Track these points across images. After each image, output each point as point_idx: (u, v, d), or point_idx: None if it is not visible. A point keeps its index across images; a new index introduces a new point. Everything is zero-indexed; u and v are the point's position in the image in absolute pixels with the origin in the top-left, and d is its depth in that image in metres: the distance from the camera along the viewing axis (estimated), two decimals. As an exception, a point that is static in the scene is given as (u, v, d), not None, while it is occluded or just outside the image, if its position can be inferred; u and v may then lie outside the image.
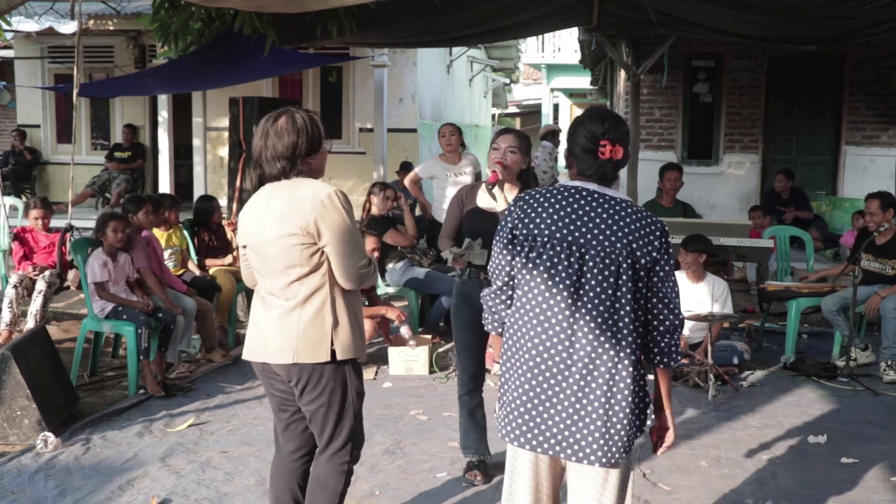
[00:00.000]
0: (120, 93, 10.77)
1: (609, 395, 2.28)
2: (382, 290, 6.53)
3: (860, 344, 5.93)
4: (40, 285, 5.99)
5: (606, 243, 2.30)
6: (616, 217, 2.33)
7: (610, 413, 2.28)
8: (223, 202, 7.63)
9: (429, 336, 6.06)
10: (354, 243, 2.81)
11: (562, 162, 10.54)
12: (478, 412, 3.93)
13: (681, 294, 6.03)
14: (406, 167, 9.81)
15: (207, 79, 8.21)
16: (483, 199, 3.84)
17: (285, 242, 2.77)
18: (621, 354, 2.28)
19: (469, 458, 3.95)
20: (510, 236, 2.40)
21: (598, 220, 2.32)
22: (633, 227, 2.32)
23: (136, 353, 5.20)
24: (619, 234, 2.31)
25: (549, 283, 2.31)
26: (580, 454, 2.30)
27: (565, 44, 24.61)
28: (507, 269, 2.42)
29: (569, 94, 27.15)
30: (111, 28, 10.45)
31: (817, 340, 6.63)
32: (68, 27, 9.69)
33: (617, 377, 2.28)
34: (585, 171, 2.41)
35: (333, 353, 2.81)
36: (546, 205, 2.37)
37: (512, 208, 2.44)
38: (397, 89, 11.55)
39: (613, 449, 2.29)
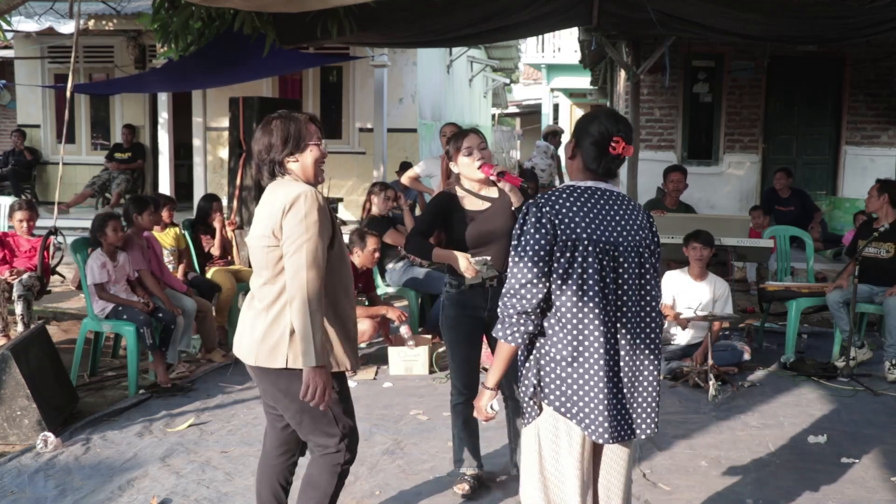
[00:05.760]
0: (118, 90, 10.75)
1: (656, 374, 2.52)
2: (382, 290, 6.53)
3: (858, 342, 5.94)
4: (18, 289, 5.95)
5: (630, 240, 2.48)
6: (633, 214, 2.52)
7: (657, 388, 2.53)
8: (225, 202, 7.62)
9: (429, 336, 6.05)
10: (302, 245, 2.66)
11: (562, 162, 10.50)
12: (472, 420, 3.81)
13: (681, 293, 6.08)
14: (406, 167, 9.80)
15: (207, 79, 8.20)
16: (469, 202, 3.72)
17: (258, 244, 2.79)
18: (652, 336, 2.51)
19: (462, 471, 3.84)
20: (551, 242, 2.40)
21: (620, 220, 2.48)
22: (640, 221, 2.53)
23: (136, 353, 5.21)
24: (637, 228, 2.51)
25: (595, 286, 2.41)
26: (647, 430, 2.52)
27: (565, 44, 24.56)
28: (546, 276, 2.41)
29: (569, 94, 27.12)
30: (111, 28, 10.44)
31: (817, 340, 6.63)
32: (68, 27, 9.66)
33: (657, 360, 2.52)
34: (590, 165, 2.50)
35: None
36: (575, 209, 2.43)
37: (540, 215, 2.42)
38: (397, 89, 11.55)
39: (657, 418, 2.55)
